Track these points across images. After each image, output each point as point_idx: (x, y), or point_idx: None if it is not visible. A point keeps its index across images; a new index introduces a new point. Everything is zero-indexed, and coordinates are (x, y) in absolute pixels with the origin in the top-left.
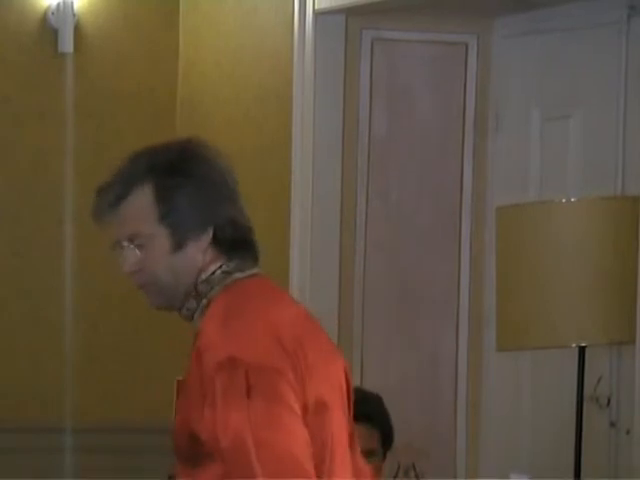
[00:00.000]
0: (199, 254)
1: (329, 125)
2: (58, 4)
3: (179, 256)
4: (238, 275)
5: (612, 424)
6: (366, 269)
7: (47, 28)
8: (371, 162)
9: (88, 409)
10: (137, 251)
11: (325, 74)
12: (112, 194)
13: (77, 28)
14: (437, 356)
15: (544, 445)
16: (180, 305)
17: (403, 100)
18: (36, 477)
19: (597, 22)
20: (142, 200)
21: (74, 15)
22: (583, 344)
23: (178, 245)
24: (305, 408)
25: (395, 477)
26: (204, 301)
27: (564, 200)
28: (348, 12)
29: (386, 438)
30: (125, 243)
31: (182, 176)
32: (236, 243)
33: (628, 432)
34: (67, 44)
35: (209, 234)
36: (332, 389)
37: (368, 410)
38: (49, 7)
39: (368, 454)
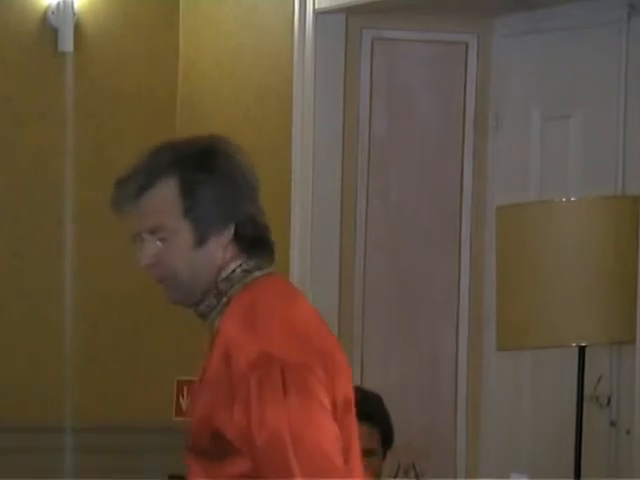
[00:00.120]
0: (219, 250)
1: (329, 125)
2: (58, 3)
3: (200, 252)
4: (257, 274)
5: (612, 424)
6: (366, 269)
7: (47, 27)
8: (371, 162)
9: (88, 409)
10: (159, 244)
11: (325, 74)
12: (134, 185)
13: (77, 27)
14: (437, 356)
15: (544, 445)
16: (198, 302)
17: (403, 100)
18: (36, 477)
19: (597, 22)
20: (166, 193)
21: (74, 14)
22: (583, 344)
23: (200, 240)
24: (334, 405)
25: (395, 477)
26: (224, 299)
27: (564, 200)
28: (348, 11)
29: (386, 438)
30: (146, 235)
31: (207, 171)
32: (255, 241)
33: (628, 432)
34: (67, 43)
35: (231, 230)
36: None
37: (368, 410)
38: (49, 6)
39: (368, 454)
